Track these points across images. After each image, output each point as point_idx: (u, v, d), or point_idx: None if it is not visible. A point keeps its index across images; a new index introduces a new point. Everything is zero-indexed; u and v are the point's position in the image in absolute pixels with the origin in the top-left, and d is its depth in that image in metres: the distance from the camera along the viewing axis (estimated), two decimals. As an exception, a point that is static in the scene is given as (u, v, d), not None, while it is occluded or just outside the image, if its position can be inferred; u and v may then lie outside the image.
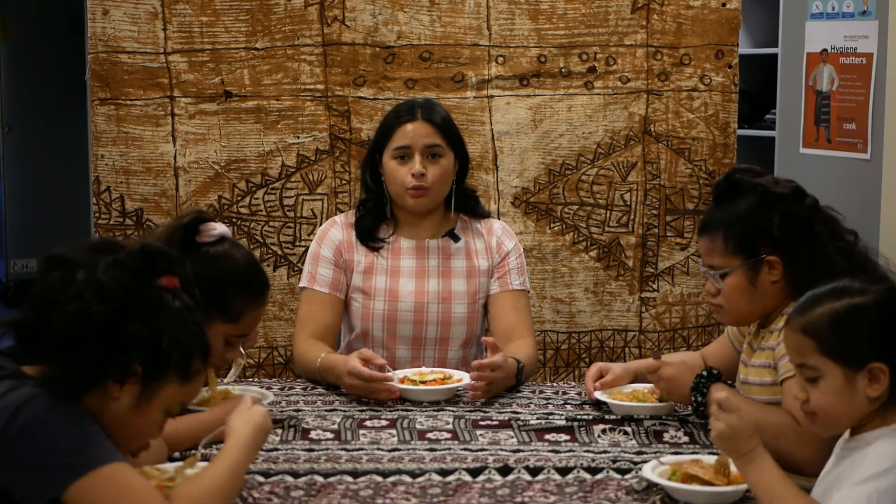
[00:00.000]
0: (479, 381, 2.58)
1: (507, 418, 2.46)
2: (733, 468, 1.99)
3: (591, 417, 2.47)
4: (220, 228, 2.40)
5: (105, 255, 1.83)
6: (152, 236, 2.44)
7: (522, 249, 3.02)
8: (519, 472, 2.12)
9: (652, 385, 2.50)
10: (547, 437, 2.33)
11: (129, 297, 1.80)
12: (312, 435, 2.34)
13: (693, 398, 2.36)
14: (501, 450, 2.24)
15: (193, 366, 1.87)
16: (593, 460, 2.18)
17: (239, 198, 3.52)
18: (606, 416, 2.48)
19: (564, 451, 2.24)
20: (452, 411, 2.51)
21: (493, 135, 3.58)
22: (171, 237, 2.36)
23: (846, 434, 1.92)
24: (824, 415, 1.89)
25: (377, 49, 3.52)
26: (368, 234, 2.92)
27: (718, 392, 1.96)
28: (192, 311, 1.89)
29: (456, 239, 2.94)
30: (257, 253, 3.50)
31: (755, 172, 2.42)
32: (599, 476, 2.10)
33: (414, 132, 2.85)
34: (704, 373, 2.36)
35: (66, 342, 1.77)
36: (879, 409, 1.87)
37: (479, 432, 2.36)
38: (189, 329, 1.87)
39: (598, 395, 2.54)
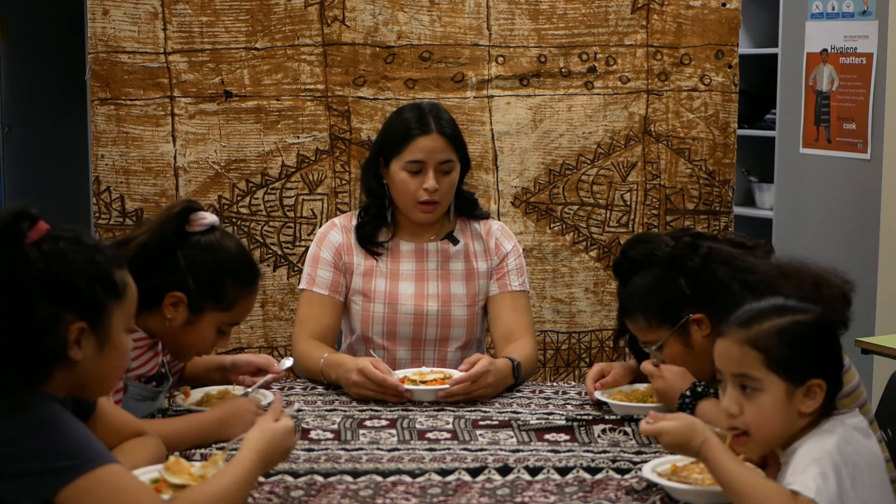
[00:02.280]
0: (458, 391, 2.58)
1: (506, 418, 2.46)
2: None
3: (591, 417, 2.47)
4: (209, 218, 2.41)
5: None
6: (142, 228, 2.44)
7: (521, 250, 3.01)
8: (519, 471, 2.12)
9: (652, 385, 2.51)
10: (547, 437, 2.33)
11: (9, 282, 1.73)
12: (312, 435, 2.34)
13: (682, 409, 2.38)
14: (501, 450, 2.24)
15: (118, 279, 1.83)
16: (593, 460, 2.18)
17: (239, 198, 3.52)
18: (606, 416, 2.48)
19: (564, 451, 2.24)
20: (452, 411, 2.51)
21: (493, 135, 3.58)
22: (163, 227, 2.36)
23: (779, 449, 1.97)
24: (758, 430, 1.92)
25: (377, 49, 3.52)
26: (370, 240, 2.92)
27: (642, 426, 2.00)
28: (79, 238, 1.82)
29: (455, 242, 2.94)
30: (257, 253, 3.50)
31: (647, 240, 2.47)
32: (599, 476, 2.10)
33: (430, 147, 2.82)
34: (688, 392, 2.37)
35: None
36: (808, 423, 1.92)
37: (478, 432, 2.36)
38: (90, 256, 1.80)
39: (598, 395, 2.54)
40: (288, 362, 2.72)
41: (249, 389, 2.55)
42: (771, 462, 2.00)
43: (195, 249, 2.37)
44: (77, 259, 1.79)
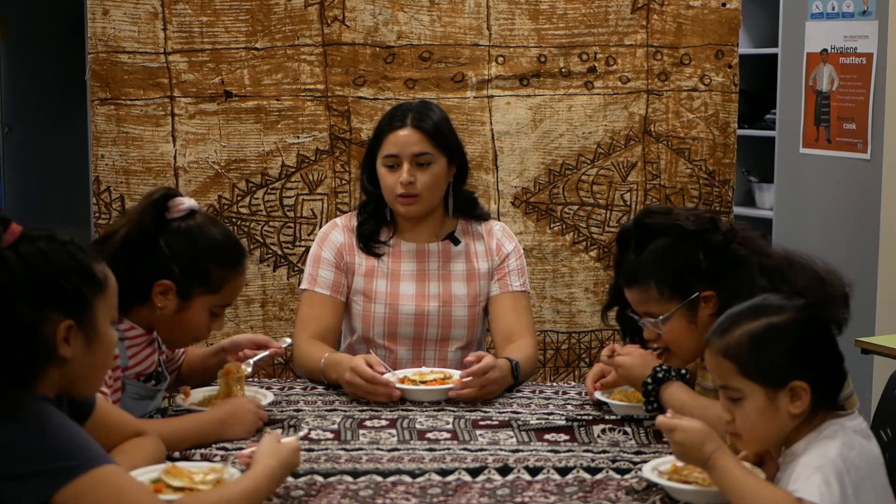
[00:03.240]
0: (470, 385, 2.57)
1: (507, 418, 2.46)
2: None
3: (591, 417, 2.47)
4: (188, 202, 2.41)
5: None
6: (122, 220, 2.43)
7: (522, 250, 3.02)
8: (519, 472, 2.12)
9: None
10: (546, 437, 2.33)
11: None
12: (312, 435, 2.34)
13: (646, 406, 2.38)
14: (501, 450, 2.24)
15: (98, 273, 1.82)
16: (593, 460, 2.18)
17: (239, 198, 3.52)
18: (606, 416, 2.48)
19: (564, 451, 2.24)
20: (452, 411, 2.51)
21: (493, 135, 3.58)
22: (143, 215, 2.36)
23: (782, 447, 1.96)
24: (749, 435, 1.93)
25: (377, 49, 3.52)
26: (370, 240, 2.92)
27: (659, 418, 1.99)
28: (54, 236, 1.80)
29: (456, 242, 2.94)
30: (257, 253, 3.50)
31: (664, 213, 2.44)
32: (599, 476, 2.10)
33: (403, 140, 2.84)
34: (649, 379, 2.36)
35: None
36: (810, 417, 1.91)
37: (478, 432, 2.36)
38: (67, 252, 1.79)
39: (598, 395, 2.54)
40: (287, 340, 2.74)
41: (251, 360, 2.58)
42: (767, 460, 2.00)
43: (176, 235, 2.37)
44: (57, 257, 1.78)
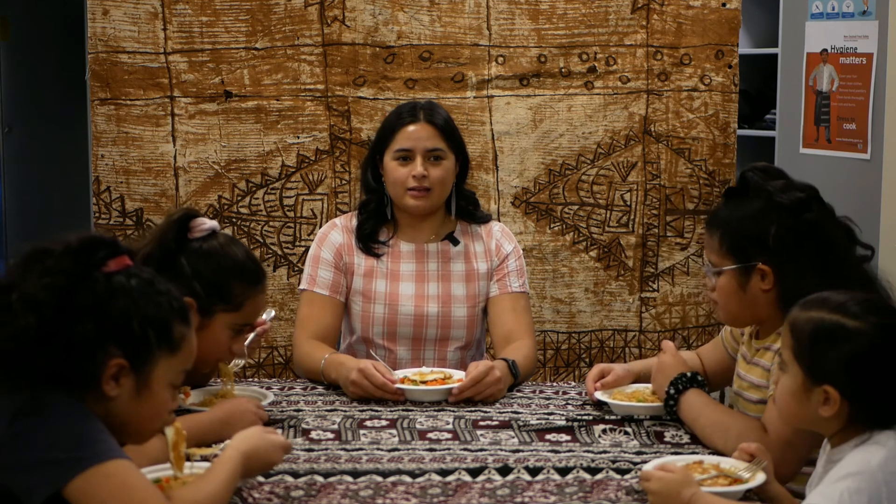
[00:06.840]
0: (470, 392, 2.57)
1: (507, 418, 2.46)
2: (736, 468, 2.00)
3: (591, 418, 2.47)
4: (209, 223, 2.45)
5: (36, 265, 1.79)
6: (144, 240, 2.45)
7: (521, 251, 3.01)
8: (519, 472, 2.12)
9: (652, 385, 2.51)
10: (547, 437, 2.33)
11: (68, 297, 1.77)
12: (312, 435, 2.34)
13: (666, 402, 2.39)
14: (501, 450, 2.24)
15: (175, 333, 1.85)
16: (593, 460, 2.18)
17: (239, 198, 3.52)
18: (607, 417, 2.48)
19: (564, 452, 2.24)
20: (452, 411, 2.51)
21: (493, 135, 3.58)
22: (164, 236, 2.39)
23: (828, 446, 1.96)
24: (780, 405, 1.98)
25: (377, 49, 3.52)
26: (370, 240, 2.92)
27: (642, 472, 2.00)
28: (153, 282, 1.85)
29: (455, 242, 2.94)
30: (257, 253, 3.50)
31: (770, 174, 2.38)
32: (599, 476, 2.10)
33: (416, 134, 2.85)
34: (684, 376, 2.38)
35: (10, 362, 1.75)
36: (859, 427, 1.90)
37: (479, 432, 2.36)
38: (155, 301, 1.83)
39: (599, 395, 2.54)
40: (271, 313, 2.74)
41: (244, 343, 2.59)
42: (767, 466, 2.00)
43: (198, 255, 2.41)
44: (140, 299, 1.82)
